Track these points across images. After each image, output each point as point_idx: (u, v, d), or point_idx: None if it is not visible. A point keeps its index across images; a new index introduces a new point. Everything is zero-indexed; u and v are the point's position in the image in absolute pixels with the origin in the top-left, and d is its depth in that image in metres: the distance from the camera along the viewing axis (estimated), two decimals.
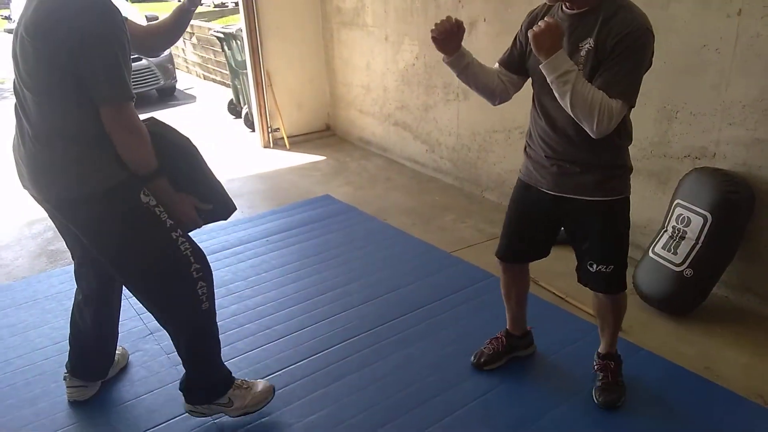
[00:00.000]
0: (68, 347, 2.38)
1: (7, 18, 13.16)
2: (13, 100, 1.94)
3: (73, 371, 2.37)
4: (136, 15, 9.28)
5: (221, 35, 6.63)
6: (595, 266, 2.12)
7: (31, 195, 2.01)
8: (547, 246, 2.31)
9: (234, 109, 7.04)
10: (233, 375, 2.27)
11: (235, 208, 2.23)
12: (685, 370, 2.46)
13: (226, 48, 6.63)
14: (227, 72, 7.29)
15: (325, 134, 6.07)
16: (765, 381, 2.41)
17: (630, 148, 2.07)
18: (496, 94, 2.16)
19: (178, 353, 2.19)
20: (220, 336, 2.22)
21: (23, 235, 4.02)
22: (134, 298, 2.15)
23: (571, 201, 2.07)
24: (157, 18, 9.03)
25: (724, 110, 2.79)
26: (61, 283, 3.30)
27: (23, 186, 2.01)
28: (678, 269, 2.78)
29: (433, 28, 1.97)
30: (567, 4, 1.90)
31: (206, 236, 3.60)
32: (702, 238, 2.72)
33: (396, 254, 3.55)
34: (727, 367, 2.50)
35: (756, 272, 2.84)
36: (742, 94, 2.71)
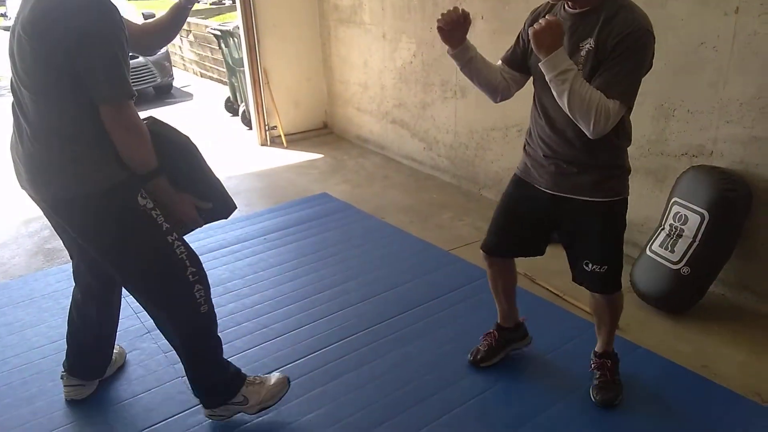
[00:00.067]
0: (65, 346, 2.37)
1: (3, 15, 13.11)
2: (10, 98, 1.93)
3: (71, 370, 2.37)
4: (133, 13, 9.26)
5: (218, 33, 6.62)
6: (590, 265, 2.12)
7: (29, 195, 2.00)
8: (535, 244, 2.29)
9: (231, 106, 7.03)
10: (243, 373, 2.25)
11: (236, 207, 2.23)
12: (683, 368, 2.47)
13: (223, 45, 6.62)
14: (224, 69, 7.28)
15: (322, 132, 6.06)
16: (762, 379, 2.41)
17: (630, 145, 2.07)
18: (498, 90, 2.16)
19: (182, 358, 2.17)
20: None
21: (20, 234, 4.01)
22: (132, 297, 2.14)
23: (570, 201, 2.07)
24: (154, 15, 9.00)
25: (722, 108, 2.79)
26: (57, 282, 3.29)
27: (21, 186, 2.00)
28: (675, 267, 2.78)
29: (440, 18, 1.96)
30: (569, 3, 1.90)
31: (203, 234, 3.59)
32: (699, 236, 2.72)
33: (393, 252, 3.55)
34: (725, 365, 2.50)
35: (753, 270, 2.85)
36: (739, 92, 2.71)
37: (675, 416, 2.23)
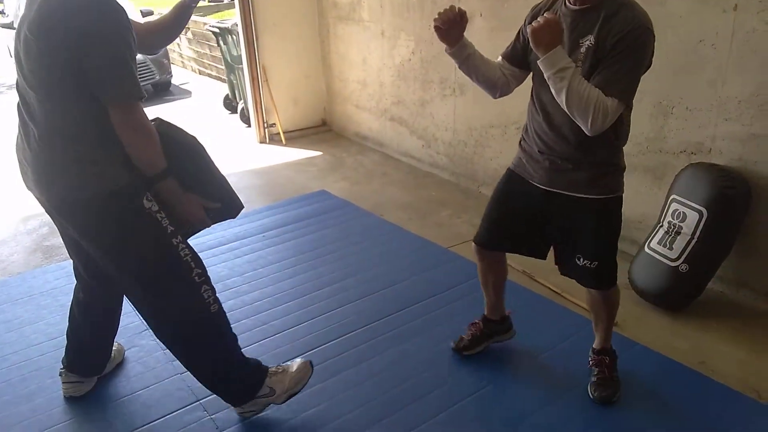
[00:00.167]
0: (64, 343, 2.37)
1: (1, 12, 13.08)
2: (11, 97, 1.93)
3: (70, 367, 2.37)
4: (132, 10, 9.23)
5: (217, 30, 6.61)
6: (582, 260, 2.13)
7: (35, 196, 1.99)
8: (529, 241, 2.28)
9: (230, 104, 7.02)
10: (264, 364, 2.23)
11: (243, 207, 2.22)
12: (681, 365, 2.47)
13: (221, 43, 6.61)
14: (223, 67, 7.27)
15: (321, 129, 6.06)
16: (760, 376, 2.42)
17: (626, 143, 2.07)
18: (497, 86, 2.16)
19: (197, 364, 2.13)
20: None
21: (18, 231, 4.01)
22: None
23: (563, 197, 2.08)
24: (152, 12, 8.98)
25: (720, 106, 2.79)
26: (56, 279, 3.29)
27: (27, 186, 1.99)
28: (673, 264, 2.79)
29: (436, 17, 1.97)
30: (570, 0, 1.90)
31: (202, 232, 3.57)
32: (698, 233, 2.73)
33: (392, 250, 3.55)
34: (723, 362, 2.51)
35: (752, 267, 2.85)
36: (738, 90, 2.71)
37: (673, 413, 2.24)
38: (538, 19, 1.79)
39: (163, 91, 8.85)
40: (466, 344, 2.54)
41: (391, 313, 2.89)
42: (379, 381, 2.44)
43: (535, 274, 3.13)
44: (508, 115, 3.97)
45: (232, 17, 6.72)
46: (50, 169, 1.86)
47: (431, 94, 4.62)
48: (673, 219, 2.83)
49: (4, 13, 11.25)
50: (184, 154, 2.00)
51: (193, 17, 10.87)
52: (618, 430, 2.18)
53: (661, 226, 2.90)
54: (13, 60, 1.87)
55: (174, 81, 9.22)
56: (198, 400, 2.35)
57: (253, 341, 2.70)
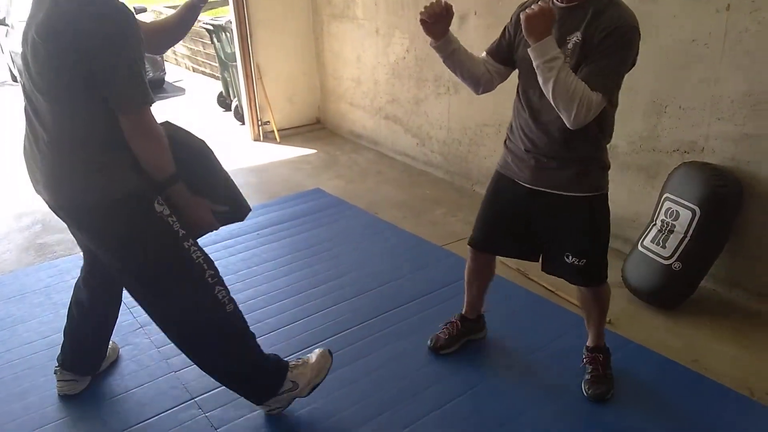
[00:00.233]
0: (58, 341, 2.37)
1: None
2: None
3: (66, 365, 2.36)
4: None
5: (210, 27, 6.58)
6: (570, 257, 2.15)
7: (44, 199, 1.97)
8: (522, 242, 2.29)
9: (224, 101, 7.00)
10: (283, 359, 2.22)
11: (250, 210, 2.22)
12: (674, 363, 2.49)
13: (215, 40, 6.58)
14: (217, 64, 7.24)
15: (315, 127, 6.05)
16: (753, 373, 2.43)
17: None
18: (480, 82, 2.17)
19: (218, 366, 2.11)
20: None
21: (11, 229, 3.99)
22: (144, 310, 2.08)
23: (549, 195, 2.10)
24: (145, 9, 8.94)
25: (713, 105, 2.81)
26: (49, 277, 3.28)
27: (35, 190, 1.98)
28: (667, 263, 2.80)
29: (422, 10, 1.97)
30: None
31: None
32: (690, 231, 2.74)
33: (387, 248, 3.56)
34: (716, 359, 2.52)
35: (744, 266, 2.87)
36: (730, 89, 2.73)
37: (666, 410, 2.25)
38: (532, 6, 1.79)
39: (157, 88, 8.80)
40: (443, 343, 2.56)
41: (385, 310, 2.89)
42: (374, 378, 2.45)
43: (529, 272, 3.14)
44: (502, 114, 3.97)
45: (226, 14, 6.69)
46: (59, 172, 1.84)
47: (426, 92, 4.63)
48: (666, 217, 2.85)
49: None
50: (192, 157, 2.00)
51: (174, 12, 10.83)
52: (612, 427, 2.19)
53: (654, 224, 2.92)
54: (20, 62, 1.85)
55: (167, 78, 9.18)
56: (192, 398, 2.35)
57: None
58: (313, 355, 2.27)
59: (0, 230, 3.98)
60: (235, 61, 5.73)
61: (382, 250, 3.52)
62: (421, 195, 4.40)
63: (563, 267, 2.19)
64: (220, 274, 2.03)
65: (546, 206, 2.13)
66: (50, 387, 2.40)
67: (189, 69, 10.81)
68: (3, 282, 3.27)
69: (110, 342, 2.54)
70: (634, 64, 1.92)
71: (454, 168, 4.57)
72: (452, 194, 4.39)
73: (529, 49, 1.83)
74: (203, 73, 10.16)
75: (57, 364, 2.37)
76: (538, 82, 1.86)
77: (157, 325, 2.07)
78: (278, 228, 3.83)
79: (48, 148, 1.83)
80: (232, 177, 2.18)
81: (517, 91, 2.13)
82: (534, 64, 1.83)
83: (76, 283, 2.33)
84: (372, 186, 4.62)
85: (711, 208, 2.70)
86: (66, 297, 3.01)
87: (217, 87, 7.41)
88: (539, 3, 1.85)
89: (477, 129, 4.26)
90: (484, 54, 2.19)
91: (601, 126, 1.96)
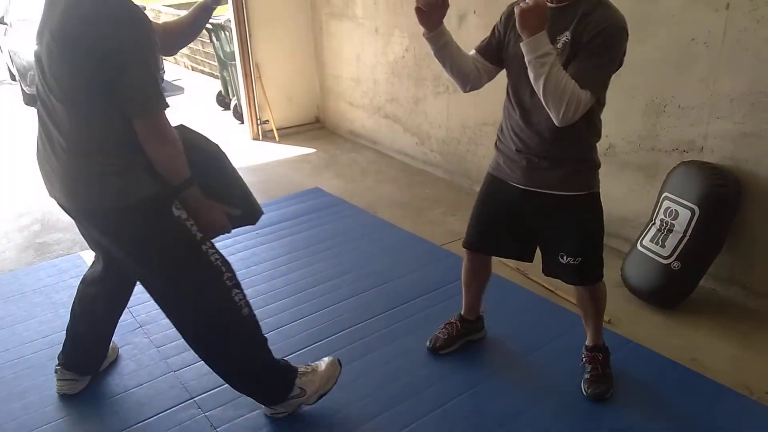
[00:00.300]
0: (57, 340, 2.37)
1: None
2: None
3: (67, 364, 2.35)
4: None
5: (209, 26, 6.55)
6: (566, 258, 2.16)
7: (60, 203, 1.97)
8: (516, 243, 2.31)
9: (223, 100, 6.99)
10: (293, 364, 2.22)
11: (263, 213, 2.22)
12: (673, 362, 2.49)
13: (214, 39, 6.58)
14: (215, 63, 7.24)
15: (314, 126, 6.04)
16: (752, 373, 2.44)
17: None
18: (469, 79, 2.17)
19: (230, 368, 2.12)
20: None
21: (10, 228, 3.98)
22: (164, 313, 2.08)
23: (541, 195, 2.10)
24: (144, 8, 8.90)
25: (712, 104, 2.81)
26: (48, 276, 3.27)
27: (50, 194, 1.97)
28: (666, 262, 2.80)
29: None
30: None
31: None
32: (690, 231, 2.74)
33: (386, 247, 3.56)
34: (715, 359, 2.53)
35: (743, 265, 2.87)
36: (729, 88, 2.73)
37: (665, 410, 2.25)
38: (527, 0, 1.79)
39: None
40: (442, 344, 2.56)
41: (385, 310, 2.89)
42: (373, 378, 2.45)
43: (529, 272, 3.14)
44: (500, 114, 3.96)
45: (225, 13, 6.68)
46: (75, 175, 1.83)
47: (425, 91, 4.62)
48: (666, 217, 2.85)
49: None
50: (207, 161, 2.01)
51: (187, 13, 10.84)
52: (611, 427, 2.19)
53: (654, 223, 2.92)
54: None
55: (166, 77, 9.17)
56: (192, 398, 2.35)
57: None
58: (323, 363, 2.27)
59: None
60: (234, 60, 5.73)
61: (381, 250, 3.52)
62: (421, 194, 4.39)
63: (559, 267, 2.20)
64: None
65: (539, 206, 2.14)
66: (50, 386, 2.40)
67: (188, 68, 10.80)
68: (2, 281, 3.27)
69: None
70: (621, 65, 1.94)
71: (453, 167, 4.57)
72: (451, 193, 4.39)
73: (522, 44, 1.83)
74: (202, 72, 10.15)
75: (57, 363, 2.37)
76: (529, 80, 1.88)
77: (174, 325, 2.07)
78: (277, 227, 3.82)
79: (65, 152, 1.81)
80: None
81: (507, 92, 2.13)
82: (526, 60, 1.84)
83: (82, 281, 2.32)
84: (371, 185, 4.62)
85: (710, 208, 2.70)
86: (65, 296, 3.03)
87: (216, 86, 7.40)
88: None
89: (476, 128, 4.25)
90: (473, 52, 2.19)
91: (589, 125, 1.99)
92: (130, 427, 2.23)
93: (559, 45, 1.88)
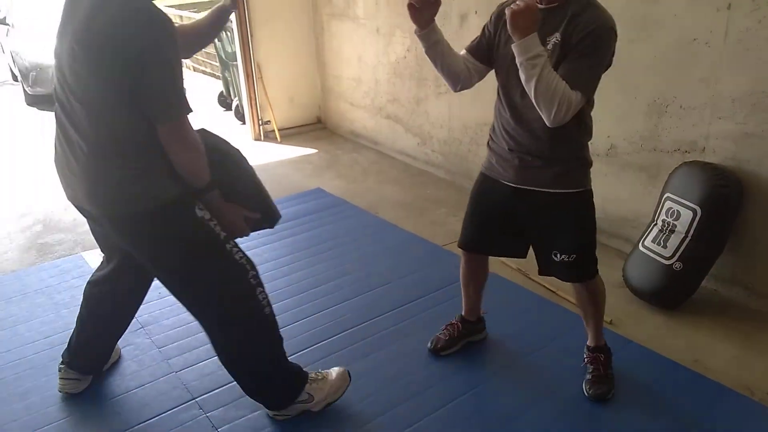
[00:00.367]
0: (59, 341, 2.38)
1: None
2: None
3: (71, 364, 2.36)
4: None
5: None
6: (559, 255, 2.16)
7: (79, 207, 1.96)
8: (510, 242, 2.32)
9: (224, 101, 7.00)
10: (304, 370, 2.22)
11: (281, 216, 2.23)
12: (675, 363, 2.48)
13: (215, 39, 6.59)
14: (217, 64, 7.24)
15: (316, 127, 6.05)
16: (754, 374, 2.43)
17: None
18: (459, 78, 2.17)
19: (245, 367, 2.12)
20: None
21: (13, 229, 3.99)
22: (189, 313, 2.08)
23: (534, 193, 2.11)
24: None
25: (714, 104, 2.80)
26: (50, 277, 3.28)
27: (68, 197, 1.97)
28: (667, 263, 2.80)
29: None
30: None
31: None
32: (691, 231, 2.74)
33: (388, 248, 3.56)
34: (717, 359, 2.52)
35: (745, 266, 2.87)
36: (731, 89, 2.72)
37: (667, 410, 2.25)
38: (518, 2, 1.79)
39: None
40: (444, 345, 2.56)
41: (386, 310, 2.89)
42: (375, 378, 2.45)
43: (529, 272, 3.14)
44: None
45: None
46: (95, 178, 1.82)
47: (426, 91, 4.62)
48: (667, 217, 2.84)
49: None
50: (227, 164, 2.01)
51: (187, 13, 10.82)
52: (612, 427, 2.19)
53: (655, 224, 2.92)
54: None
55: None
56: (194, 399, 2.35)
57: None
58: (333, 372, 2.28)
59: (1, 230, 3.98)
60: (236, 61, 5.73)
61: (382, 250, 3.52)
62: (422, 195, 4.40)
63: (553, 265, 2.21)
64: None
65: (532, 204, 2.15)
66: (52, 387, 2.40)
67: (189, 68, 10.80)
68: (4, 282, 3.28)
69: None
70: (609, 65, 1.95)
71: (455, 167, 4.57)
72: (453, 194, 4.38)
73: (513, 46, 1.84)
74: (204, 72, 10.16)
75: (62, 362, 2.37)
76: (519, 81, 1.88)
77: (199, 323, 2.06)
78: (279, 228, 3.79)
79: (83, 153, 1.80)
80: None
81: (498, 92, 2.14)
82: (517, 61, 1.84)
83: (89, 283, 2.32)
84: (373, 186, 4.62)
85: (712, 208, 2.70)
86: (67, 297, 3.04)
87: (218, 86, 7.40)
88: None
89: (477, 128, 4.25)
90: (463, 51, 2.19)
91: (581, 125, 2.00)
92: (131, 428, 2.23)
93: (549, 46, 1.89)
